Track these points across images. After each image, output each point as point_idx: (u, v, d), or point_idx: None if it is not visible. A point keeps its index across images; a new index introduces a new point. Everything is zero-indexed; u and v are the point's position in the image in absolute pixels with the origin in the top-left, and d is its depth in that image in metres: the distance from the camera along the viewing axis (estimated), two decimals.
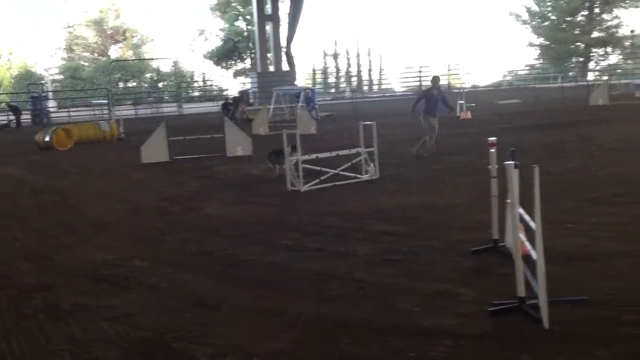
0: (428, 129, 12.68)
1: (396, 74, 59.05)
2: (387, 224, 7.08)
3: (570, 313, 4.09)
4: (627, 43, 62.36)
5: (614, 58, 66.51)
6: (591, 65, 65.84)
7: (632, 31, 47.50)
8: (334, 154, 10.31)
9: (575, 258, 5.31)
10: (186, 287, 5.28)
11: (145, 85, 67.41)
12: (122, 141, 21.18)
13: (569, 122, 18.13)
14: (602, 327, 3.87)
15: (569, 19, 65.79)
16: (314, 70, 75.37)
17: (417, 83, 51.46)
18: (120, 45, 76.12)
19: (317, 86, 60.56)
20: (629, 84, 35.97)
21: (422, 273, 5.24)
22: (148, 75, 71.21)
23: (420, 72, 51.55)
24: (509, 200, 4.26)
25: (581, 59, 66.93)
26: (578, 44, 66.26)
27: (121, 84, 67.89)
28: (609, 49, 66.17)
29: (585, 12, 65.77)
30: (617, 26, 65.82)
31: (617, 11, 65.43)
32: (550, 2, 66.16)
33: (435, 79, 13.18)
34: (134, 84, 69.38)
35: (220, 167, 12.95)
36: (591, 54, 67.23)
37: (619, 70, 49.52)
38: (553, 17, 66.48)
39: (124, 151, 17.42)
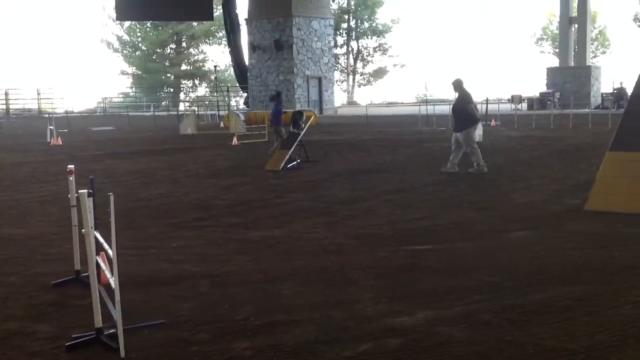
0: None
1: None
2: None
3: (148, 338, 4.15)
4: (212, 77, 67.40)
5: (202, 90, 71.39)
6: (182, 96, 69.49)
7: (216, 66, 51.66)
8: None
9: (156, 283, 5.44)
10: None
11: None
12: None
13: (159, 150, 18.75)
14: (177, 348, 4.01)
15: (159, 50, 68.44)
16: None
17: (4, 106, 47.71)
18: None
19: None
20: (215, 115, 38.91)
21: None
22: None
23: (7, 94, 47.86)
24: (83, 230, 4.16)
25: (172, 90, 70.13)
26: (169, 75, 69.34)
27: None
28: (197, 82, 70.80)
29: (174, 46, 69.23)
30: (204, 60, 70.91)
31: (202, 46, 70.48)
32: (140, 33, 67.95)
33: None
34: None
35: None
36: (181, 85, 71.01)
37: (207, 102, 53.10)
38: (144, 48, 68.38)
39: None
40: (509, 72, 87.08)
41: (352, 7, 67.45)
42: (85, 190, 4.12)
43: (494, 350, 3.88)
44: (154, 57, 68.31)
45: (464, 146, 12.07)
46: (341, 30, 66.42)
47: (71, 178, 5.29)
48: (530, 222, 7.63)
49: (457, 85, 12.25)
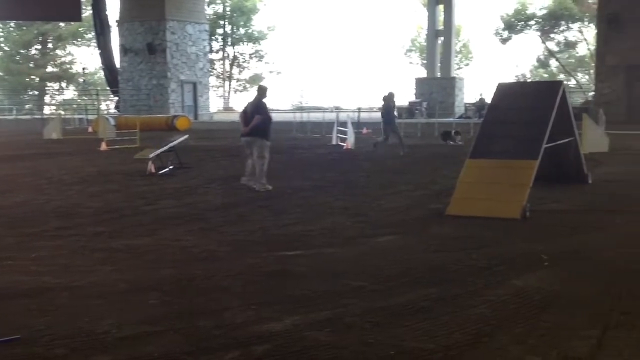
0: None
1: None
2: None
3: (0, 355, 3.91)
4: (80, 80, 64.80)
5: (69, 93, 68.46)
6: (47, 99, 66.25)
7: (84, 68, 49.68)
8: None
9: (11, 296, 5.13)
10: None
11: None
12: None
13: (21, 155, 17.75)
14: None
15: (23, 51, 65.04)
16: None
17: None
18: None
19: None
20: (83, 119, 37.39)
21: None
22: None
23: None
24: None
25: (37, 92, 66.78)
26: (33, 77, 65.95)
27: None
28: (63, 84, 67.78)
29: (39, 47, 65.99)
30: (71, 62, 68.06)
31: (70, 48, 67.64)
32: (2, 32, 64.29)
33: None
34: None
35: None
36: (47, 88, 67.72)
37: (75, 106, 51.11)
38: (7, 48, 64.77)
39: None
40: (381, 81, 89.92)
41: (228, 13, 67.16)
42: None
43: (356, 353, 3.97)
44: (17, 58, 64.80)
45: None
46: (216, 36, 65.94)
47: None
48: (396, 227, 7.89)
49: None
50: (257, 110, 11.11)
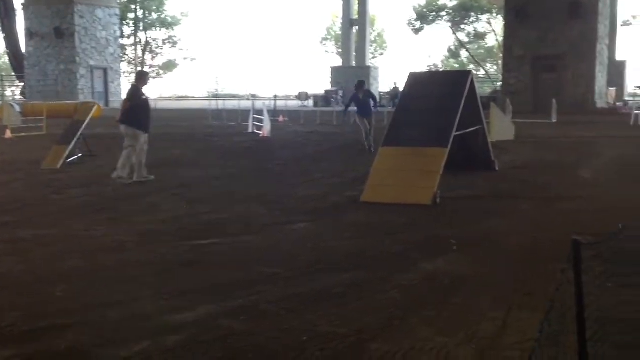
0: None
1: None
2: None
3: None
4: None
5: None
6: None
7: None
8: None
9: None
10: None
11: None
12: None
13: None
14: None
15: None
16: None
17: None
18: None
19: None
20: None
21: None
22: None
23: None
24: None
25: None
26: None
27: None
28: None
29: None
30: None
31: None
32: None
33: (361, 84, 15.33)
34: None
35: None
36: None
37: None
38: None
39: None
40: (297, 70, 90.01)
41: None
42: None
43: (271, 340, 3.98)
44: None
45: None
46: (128, 21, 64.10)
47: None
48: (312, 214, 7.93)
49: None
50: (129, 96, 10.74)
